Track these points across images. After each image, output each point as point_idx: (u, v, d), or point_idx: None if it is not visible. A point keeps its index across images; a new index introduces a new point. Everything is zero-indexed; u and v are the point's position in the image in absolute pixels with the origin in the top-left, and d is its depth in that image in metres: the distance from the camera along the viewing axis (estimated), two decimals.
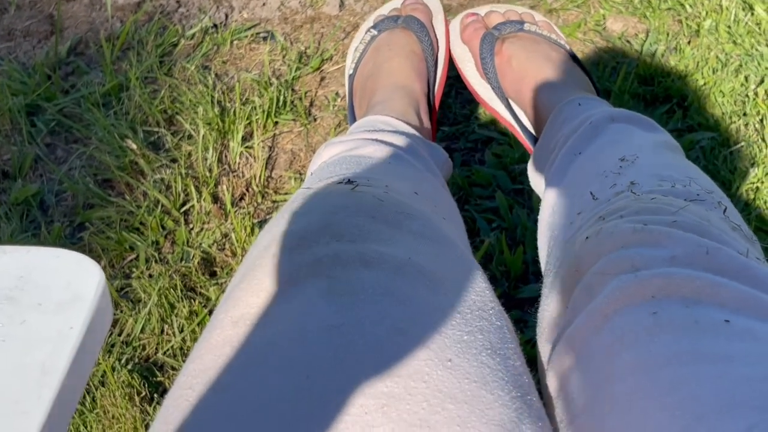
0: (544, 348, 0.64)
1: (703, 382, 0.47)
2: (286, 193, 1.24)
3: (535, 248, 1.15)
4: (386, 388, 0.46)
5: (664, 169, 0.71)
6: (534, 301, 1.10)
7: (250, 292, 0.54)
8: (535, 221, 1.18)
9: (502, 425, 0.47)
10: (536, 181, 0.93)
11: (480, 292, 0.58)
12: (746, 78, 1.33)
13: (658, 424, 0.47)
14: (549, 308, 0.66)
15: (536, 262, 1.14)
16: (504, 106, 1.07)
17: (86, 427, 0.99)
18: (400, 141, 0.84)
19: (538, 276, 1.13)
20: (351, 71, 1.11)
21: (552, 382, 0.59)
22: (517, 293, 1.11)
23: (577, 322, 0.58)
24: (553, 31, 1.09)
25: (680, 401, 0.47)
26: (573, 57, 1.04)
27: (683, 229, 0.59)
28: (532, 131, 1.06)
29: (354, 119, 1.07)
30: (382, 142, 0.82)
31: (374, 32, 1.10)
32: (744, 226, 0.65)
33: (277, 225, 0.61)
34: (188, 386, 0.49)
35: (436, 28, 1.12)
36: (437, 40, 1.11)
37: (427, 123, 1.00)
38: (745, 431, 0.43)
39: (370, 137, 0.83)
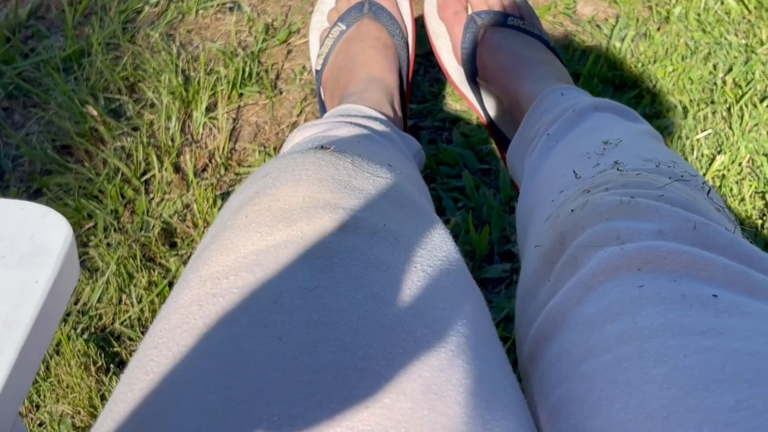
0: (525, 321, 0.63)
1: (690, 355, 0.46)
2: (249, 166, 1.22)
3: (501, 228, 1.14)
4: (362, 354, 0.45)
5: (647, 152, 0.70)
6: (499, 281, 1.10)
7: (220, 251, 0.53)
8: (501, 201, 1.17)
9: (479, 394, 0.46)
10: (515, 168, 0.92)
11: (455, 263, 0.56)
12: (714, 66, 1.34)
13: (645, 397, 0.46)
14: (528, 283, 0.64)
15: (501, 242, 1.13)
16: (474, 94, 1.06)
17: (39, 396, 0.97)
18: (374, 125, 0.82)
19: (503, 256, 1.13)
20: (318, 67, 1.09)
21: (533, 355, 0.58)
22: (482, 273, 1.10)
23: (560, 294, 0.56)
24: (534, 25, 1.07)
25: (667, 373, 0.46)
26: (553, 51, 1.03)
27: (670, 204, 0.58)
28: (498, 123, 1.05)
29: (325, 113, 1.05)
30: (355, 124, 0.80)
31: (342, 26, 1.08)
32: (726, 210, 0.64)
33: (249, 186, 0.59)
34: (153, 346, 0.47)
35: (402, 11, 1.10)
36: (405, 26, 1.09)
37: (400, 115, 0.99)
38: (733, 405, 0.42)
39: (344, 120, 0.81)
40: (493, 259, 1.12)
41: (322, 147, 0.64)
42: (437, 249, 0.56)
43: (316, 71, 1.09)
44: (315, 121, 0.84)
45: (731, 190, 1.18)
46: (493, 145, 1.23)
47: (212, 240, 0.55)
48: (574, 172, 0.71)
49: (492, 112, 1.05)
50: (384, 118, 0.89)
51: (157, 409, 0.43)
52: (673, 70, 1.32)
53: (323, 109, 1.07)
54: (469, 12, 1.06)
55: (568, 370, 0.52)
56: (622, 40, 1.37)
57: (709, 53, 1.35)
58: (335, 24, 1.08)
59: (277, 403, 0.41)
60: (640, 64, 1.33)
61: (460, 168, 1.21)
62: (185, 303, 0.49)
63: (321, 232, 0.52)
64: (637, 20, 1.41)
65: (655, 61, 1.34)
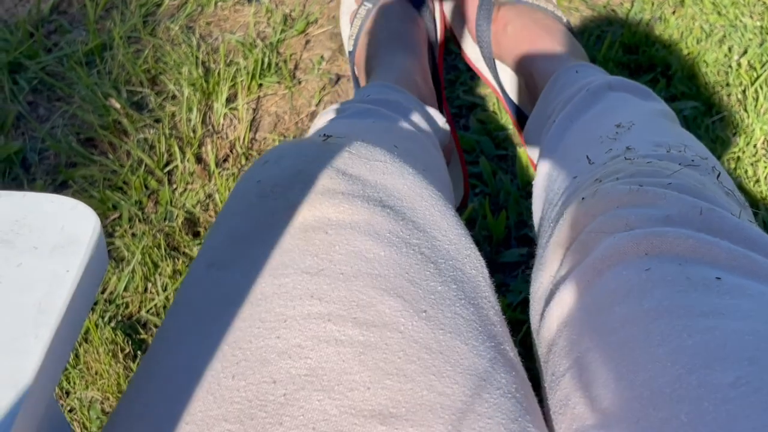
0: (537, 307, 0.65)
1: (694, 335, 0.48)
2: None
3: (518, 213, 1.16)
4: (362, 336, 0.47)
5: (659, 135, 0.72)
6: (516, 265, 1.11)
7: (226, 235, 0.56)
8: (518, 186, 1.18)
9: (477, 374, 0.47)
10: (532, 146, 0.94)
11: (455, 240, 0.58)
12: (730, 49, 1.34)
13: (650, 375, 0.47)
14: (543, 269, 0.66)
15: (519, 227, 1.15)
16: (490, 71, 1.07)
17: (69, 383, 0.99)
18: (392, 101, 0.84)
19: (520, 241, 1.14)
20: (351, 48, 1.10)
21: (544, 338, 0.60)
22: (500, 257, 1.12)
23: (569, 278, 0.58)
24: (549, 2, 1.08)
25: (672, 352, 0.48)
26: (569, 28, 1.04)
27: (678, 191, 0.59)
28: (515, 100, 1.06)
29: None
30: (370, 106, 0.82)
31: (368, 5, 1.10)
32: (737, 192, 0.66)
33: (251, 174, 0.62)
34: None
35: None
36: (432, 1, 1.10)
37: (428, 86, 1.00)
38: (733, 381, 0.44)
39: (361, 106, 0.83)
40: (510, 244, 1.14)
41: (324, 135, 0.66)
42: (435, 230, 0.58)
43: (349, 53, 1.10)
44: (338, 105, 0.85)
45: (746, 172, 1.19)
46: (510, 131, 1.24)
47: (217, 227, 0.58)
48: (587, 157, 0.72)
49: (509, 90, 1.06)
50: (405, 92, 0.90)
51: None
52: (688, 53, 1.33)
53: (358, 88, 1.09)
54: None
55: (577, 352, 0.54)
56: (637, 23, 1.38)
57: (724, 36, 1.36)
58: (362, 4, 1.10)
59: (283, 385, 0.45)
60: (655, 48, 1.34)
61: (476, 154, 1.23)
62: (189, 285, 0.52)
63: (320, 217, 0.54)
64: (652, 4, 1.41)
65: (670, 45, 1.35)
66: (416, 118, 0.84)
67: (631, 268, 0.54)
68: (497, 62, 1.06)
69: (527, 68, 0.99)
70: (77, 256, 0.46)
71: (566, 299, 0.58)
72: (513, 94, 1.06)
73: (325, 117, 0.83)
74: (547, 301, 0.61)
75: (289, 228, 0.54)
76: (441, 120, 0.91)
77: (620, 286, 0.53)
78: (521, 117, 1.06)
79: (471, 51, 1.10)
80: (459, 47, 1.12)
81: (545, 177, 0.80)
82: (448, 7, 1.12)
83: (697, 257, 0.53)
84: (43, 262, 0.45)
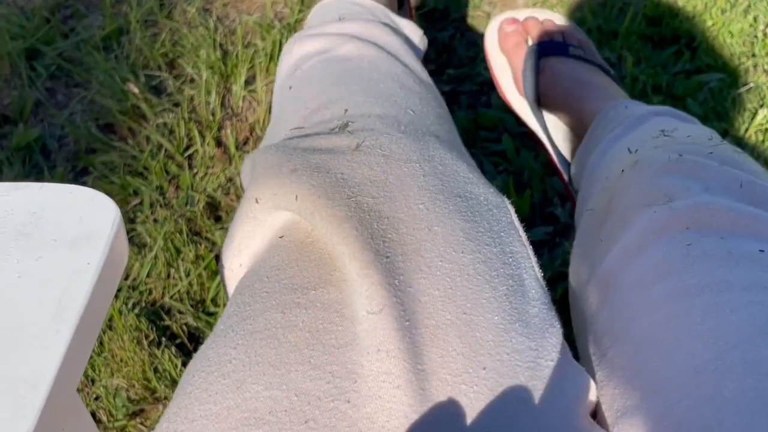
0: (575, 283, 0.64)
1: (737, 310, 0.47)
2: None
3: (542, 191, 1.14)
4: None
5: (700, 132, 0.71)
6: (542, 244, 1.10)
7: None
8: (542, 164, 1.17)
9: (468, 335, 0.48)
10: (579, 177, 0.91)
11: (465, 177, 0.58)
12: (755, 18, 1.32)
13: (692, 352, 0.46)
14: (581, 245, 0.65)
15: (543, 205, 1.13)
16: (538, 121, 1.06)
17: (94, 371, 0.99)
18: (372, 30, 0.80)
19: (545, 219, 1.13)
20: None
21: (585, 315, 0.59)
22: None
23: (610, 256, 0.57)
24: (594, 54, 1.06)
25: (714, 329, 0.47)
26: (614, 78, 1.02)
27: (719, 162, 0.58)
28: (565, 154, 1.04)
29: None
30: (354, 37, 0.79)
31: None
32: None
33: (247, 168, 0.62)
34: (233, 345, 0.50)
35: None
36: None
37: None
38: None
39: (342, 32, 0.80)
40: (535, 222, 1.12)
41: (344, 126, 0.64)
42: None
43: None
44: (311, 30, 0.82)
45: None
46: None
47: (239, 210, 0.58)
48: (627, 149, 0.71)
49: (557, 140, 1.05)
50: (379, 6, 0.88)
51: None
52: (713, 24, 1.31)
53: None
54: (529, 43, 1.06)
55: (619, 330, 0.53)
56: None
57: (749, 5, 1.33)
58: None
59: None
60: (678, 20, 1.32)
61: (500, 132, 1.21)
62: (269, 307, 0.50)
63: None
64: None
65: (694, 16, 1.32)
66: (397, 45, 0.81)
67: (672, 243, 0.53)
68: (544, 112, 1.05)
69: (576, 112, 0.97)
70: (97, 249, 0.45)
71: (607, 276, 0.57)
72: (560, 144, 1.04)
73: (304, 47, 0.79)
74: (588, 278, 0.60)
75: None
76: (419, 32, 0.89)
77: (661, 262, 0.53)
78: (568, 168, 1.04)
79: (518, 105, 1.08)
80: (505, 100, 1.11)
81: (587, 190, 0.78)
82: (494, 60, 1.11)
83: (738, 230, 0.52)
84: (62, 255, 0.45)
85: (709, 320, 0.47)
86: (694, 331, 0.47)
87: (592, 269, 0.60)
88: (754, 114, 1.20)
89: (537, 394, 0.46)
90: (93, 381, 0.99)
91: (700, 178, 0.57)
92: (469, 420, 0.44)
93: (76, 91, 1.29)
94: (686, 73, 1.25)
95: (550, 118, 1.04)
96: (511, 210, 0.58)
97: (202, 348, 0.52)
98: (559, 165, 1.03)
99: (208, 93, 1.26)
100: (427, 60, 1.18)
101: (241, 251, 0.57)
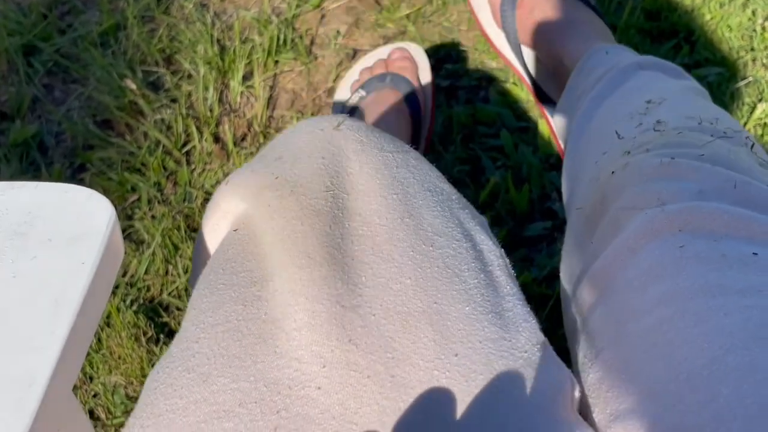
0: (567, 284, 0.63)
1: (730, 314, 0.46)
2: None
3: (541, 186, 1.14)
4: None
5: (690, 109, 0.70)
6: (540, 239, 1.10)
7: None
8: (540, 159, 1.17)
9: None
10: (562, 128, 0.92)
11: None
12: (753, 12, 1.31)
13: (685, 356, 0.46)
14: (572, 244, 0.65)
15: (542, 200, 1.13)
16: (516, 56, 1.06)
17: (93, 368, 0.99)
18: None
19: (544, 214, 1.13)
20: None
21: (576, 318, 0.59)
22: (523, 231, 1.10)
23: (602, 258, 0.57)
24: None
25: (707, 333, 0.46)
26: (594, 9, 1.02)
27: (711, 163, 0.58)
28: (542, 85, 1.04)
29: None
30: None
31: (362, 93, 1.12)
32: None
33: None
34: (195, 339, 0.50)
35: (422, 80, 1.14)
36: (424, 96, 1.12)
37: None
38: None
39: None
40: (533, 217, 1.12)
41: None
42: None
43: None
44: None
45: None
46: (531, 103, 1.22)
47: None
48: (616, 132, 0.70)
49: (536, 75, 1.05)
50: None
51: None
52: (711, 18, 1.30)
53: None
54: None
55: (612, 332, 0.53)
56: None
57: None
58: (356, 91, 1.12)
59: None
60: (677, 14, 1.31)
61: (498, 127, 1.21)
62: (227, 300, 0.50)
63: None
64: None
65: (692, 10, 1.32)
66: None
67: (664, 246, 0.53)
68: (523, 47, 1.04)
69: (556, 52, 0.97)
70: (93, 248, 0.45)
71: (599, 278, 0.56)
72: (540, 79, 1.04)
73: None
74: (579, 279, 0.60)
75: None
76: None
77: (654, 265, 0.52)
78: (548, 102, 1.04)
79: (496, 38, 1.08)
80: (484, 34, 1.11)
81: (574, 155, 0.79)
82: (473, 1, 1.11)
83: (732, 233, 0.52)
84: (58, 255, 0.44)
85: (702, 324, 0.47)
86: (687, 335, 0.47)
87: (583, 270, 0.60)
88: (753, 108, 1.20)
89: (513, 383, 0.46)
90: (91, 378, 0.99)
91: (694, 180, 0.57)
92: (443, 406, 0.44)
93: (73, 87, 1.29)
94: (685, 67, 1.25)
95: (530, 54, 1.04)
96: (482, 217, 0.59)
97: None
98: (540, 99, 1.04)
99: (206, 89, 1.26)
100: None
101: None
